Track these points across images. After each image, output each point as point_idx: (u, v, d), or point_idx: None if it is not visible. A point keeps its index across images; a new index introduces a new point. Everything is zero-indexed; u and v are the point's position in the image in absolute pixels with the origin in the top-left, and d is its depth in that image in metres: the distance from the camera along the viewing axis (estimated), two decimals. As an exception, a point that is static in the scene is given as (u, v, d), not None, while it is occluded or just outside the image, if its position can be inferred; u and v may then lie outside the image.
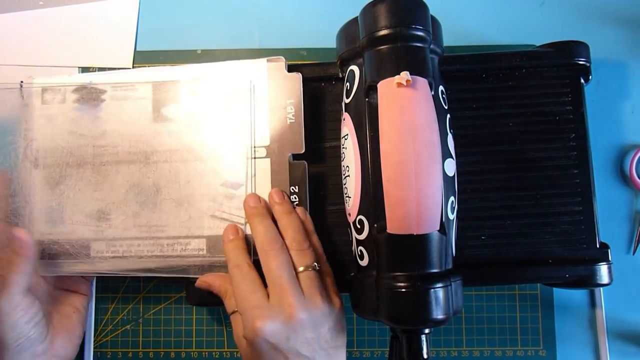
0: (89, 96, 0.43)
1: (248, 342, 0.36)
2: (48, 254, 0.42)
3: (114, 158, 0.42)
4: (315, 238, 0.40)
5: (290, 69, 0.42)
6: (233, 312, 0.39)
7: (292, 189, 0.41)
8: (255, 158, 0.41)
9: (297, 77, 0.41)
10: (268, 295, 0.37)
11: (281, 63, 0.42)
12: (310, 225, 0.40)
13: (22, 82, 0.43)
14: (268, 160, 0.41)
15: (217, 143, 0.42)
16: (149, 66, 0.50)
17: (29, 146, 0.43)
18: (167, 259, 0.41)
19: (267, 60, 0.42)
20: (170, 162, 0.42)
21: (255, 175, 0.41)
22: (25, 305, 0.38)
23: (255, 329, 0.35)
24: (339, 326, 0.38)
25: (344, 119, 0.40)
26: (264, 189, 0.41)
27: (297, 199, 0.41)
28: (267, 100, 0.41)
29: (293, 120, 0.41)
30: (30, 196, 0.42)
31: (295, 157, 0.41)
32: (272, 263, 0.37)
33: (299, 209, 0.40)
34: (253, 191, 0.41)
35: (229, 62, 0.42)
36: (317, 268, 0.38)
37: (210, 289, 0.41)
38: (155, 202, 0.42)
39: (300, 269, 0.37)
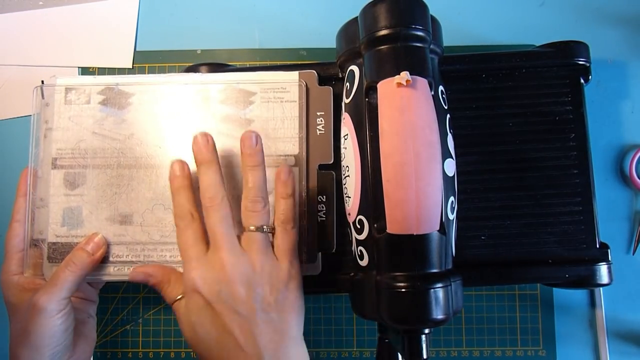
0: (116, 98, 0.43)
1: (186, 296, 0.36)
2: (63, 257, 0.41)
3: (140, 161, 0.42)
4: (285, 202, 0.38)
5: (290, 68, 0.43)
6: (175, 301, 0.38)
7: (320, 198, 0.41)
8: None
9: (328, 90, 0.42)
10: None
11: (312, 75, 0.42)
12: (288, 188, 0.38)
13: (43, 81, 0.43)
14: (297, 169, 0.41)
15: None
16: (148, 66, 0.51)
17: (49, 146, 0.42)
18: None
19: (299, 73, 0.42)
20: (196, 167, 0.42)
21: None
22: (66, 312, 0.38)
23: (190, 279, 0.35)
24: (288, 293, 0.37)
25: (343, 119, 0.40)
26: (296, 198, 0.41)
27: (325, 208, 0.41)
28: (298, 111, 0.42)
29: (323, 132, 0.42)
30: (48, 197, 0.42)
31: (323, 167, 0.42)
32: (210, 219, 0.36)
33: (283, 168, 0.39)
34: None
35: (259, 72, 0.43)
36: (266, 231, 0.37)
37: (148, 281, 0.39)
38: None
39: (250, 227, 0.37)
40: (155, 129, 0.42)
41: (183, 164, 0.39)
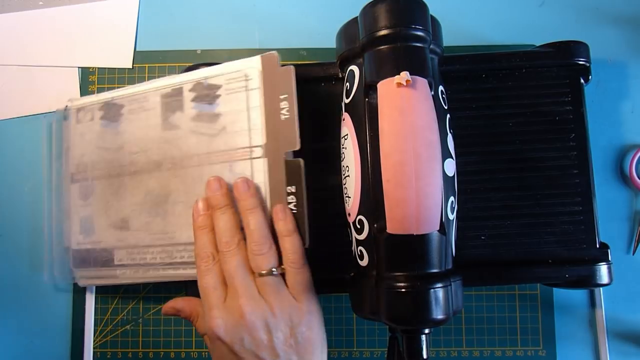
0: (111, 112, 0.45)
1: (210, 340, 0.37)
2: (82, 262, 0.45)
3: (131, 169, 0.44)
4: (290, 240, 0.37)
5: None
6: (205, 334, 0.39)
7: (289, 189, 0.38)
8: (252, 159, 0.40)
9: (289, 69, 0.39)
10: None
11: (274, 57, 0.40)
12: (289, 224, 0.38)
13: (67, 105, 0.47)
14: (265, 160, 0.39)
15: (215, 147, 0.41)
16: (148, 65, 0.51)
17: (67, 163, 0.46)
18: (176, 266, 0.42)
19: (261, 57, 0.40)
20: (178, 169, 0.42)
21: (253, 177, 0.40)
22: None
23: (212, 328, 0.36)
24: (306, 331, 0.37)
25: (343, 119, 0.40)
26: (262, 191, 0.39)
27: (295, 199, 0.38)
28: (263, 97, 0.40)
29: (287, 116, 0.38)
30: (69, 209, 0.46)
31: (294, 155, 0.39)
32: (227, 264, 0.37)
33: (278, 206, 0.38)
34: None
35: (226, 64, 0.42)
36: (276, 272, 0.37)
37: (179, 315, 0.41)
38: (166, 210, 0.42)
39: (261, 272, 0.37)
40: (141, 136, 0.44)
41: (206, 204, 0.39)
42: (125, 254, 0.43)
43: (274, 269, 0.37)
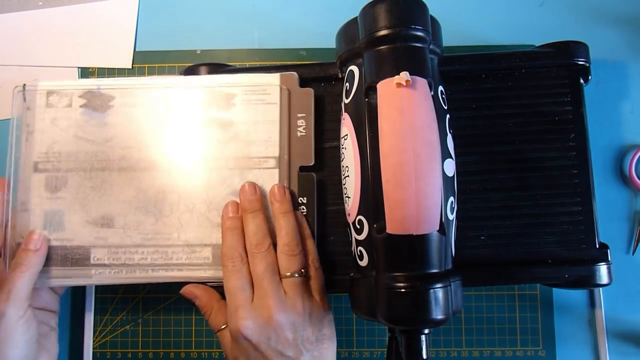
0: (97, 101, 0.42)
1: (233, 338, 0.38)
2: (48, 260, 0.41)
3: (121, 164, 0.42)
4: (310, 243, 0.40)
5: (290, 68, 0.43)
6: (219, 330, 0.40)
7: (301, 200, 0.41)
8: (265, 168, 0.41)
9: (309, 92, 0.42)
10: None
11: (293, 77, 0.42)
12: (307, 230, 0.40)
13: (24, 84, 0.43)
14: (277, 171, 0.41)
15: (225, 153, 0.42)
16: (148, 66, 0.51)
17: (30, 150, 0.42)
18: (171, 267, 0.41)
19: (280, 75, 0.42)
20: (178, 170, 0.42)
21: (264, 185, 0.41)
22: (27, 318, 0.38)
23: (238, 328, 0.37)
24: (324, 329, 0.39)
25: (343, 119, 0.40)
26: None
27: (305, 210, 0.41)
28: (279, 113, 0.42)
29: (304, 133, 0.42)
30: (29, 200, 0.41)
31: (304, 169, 0.42)
32: (258, 266, 0.38)
33: (297, 213, 0.41)
34: None
35: (241, 75, 0.43)
36: (304, 274, 0.39)
37: (195, 302, 0.41)
38: (161, 210, 0.41)
39: (287, 274, 0.38)
40: (137, 132, 0.42)
41: (237, 206, 0.40)
42: (105, 253, 0.41)
43: (302, 270, 0.39)
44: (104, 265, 0.41)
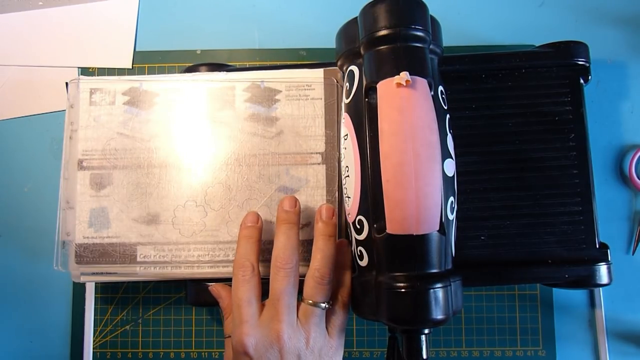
0: (140, 98, 0.43)
1: (234, 350, 0.37)
2: (91, 257, 0.41)
3: (168, 161, 0.42)
4: (347, 276, 0.39)
5: (290, 68, 0.43)
6: (227, 337, 0.39)
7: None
8: (310, 164, 0.41)
9: None
10: (263, 308, 0.37)
11: (336, 72, 0.42)
12: (348, 259, 0.39)
13: (67, 82, 0.43)
14: (323, 167, 0.41)
15: (271, 149, 0.42)
16: (148, 66, 0.51)
17: (74, 148, 0.42)
18: (217, 264, 0.41)
19: (324, 70, 0.42)
20: (225, 167, 0.42)
21: (309, 181, 0.41)
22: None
23: (241, 343, 0.36)
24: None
25: (343, 119, 0.40)
26: (317, 197, 0.41)
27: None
28: (324, 108, 0.42)
29: None
30: (75, 198, 0.42)
31: None
32: (278, 283, 0.37)
33: (342, 241, 0.40)
34: (307, 198, 0.41)
35: (285, 70, 0.43)
36: (326, 307, 0.37)
37: (219, 300, 0.41)
38: (209, 208, 0.41)
39: (309, 302, 0.37)
40: (182, 128, 0.42)
41: (258, 217, 0.39)
42: (152, 250, 0.41)
43: (325, 303, 0.37)
44: (150, 262, 0.41)
